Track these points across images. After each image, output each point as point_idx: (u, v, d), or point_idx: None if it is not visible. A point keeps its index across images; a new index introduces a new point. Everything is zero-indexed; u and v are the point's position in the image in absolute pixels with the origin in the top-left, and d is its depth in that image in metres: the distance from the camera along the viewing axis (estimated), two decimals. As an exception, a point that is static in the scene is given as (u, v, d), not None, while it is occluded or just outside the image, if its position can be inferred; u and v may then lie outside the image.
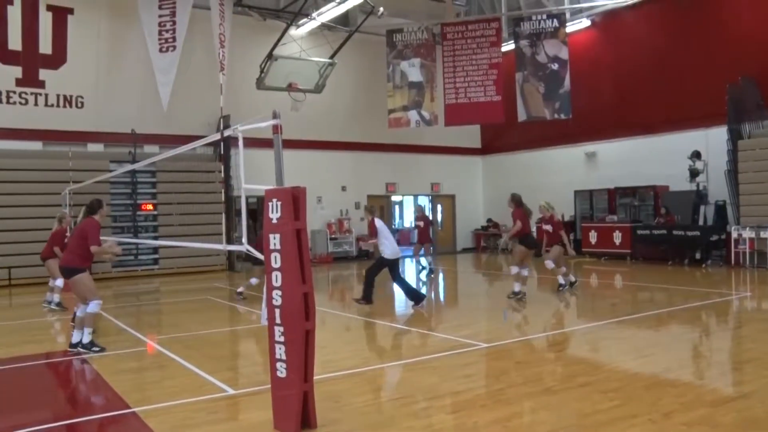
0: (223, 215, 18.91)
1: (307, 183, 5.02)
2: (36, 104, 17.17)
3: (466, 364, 6.93)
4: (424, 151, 23.83)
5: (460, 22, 19.77)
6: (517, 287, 11.24)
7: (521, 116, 19.25)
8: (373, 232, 10.88)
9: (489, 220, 24.70)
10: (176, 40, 17.34)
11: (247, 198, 6.02)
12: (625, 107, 19.93)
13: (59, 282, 11.15)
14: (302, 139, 19.64)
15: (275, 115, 4.99)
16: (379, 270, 10.95)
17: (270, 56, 16.38)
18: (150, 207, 18.43)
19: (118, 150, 18.19)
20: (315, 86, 17.56)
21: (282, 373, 4.62)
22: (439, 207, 25.10)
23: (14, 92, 16.89)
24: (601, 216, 20.11)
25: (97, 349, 7.87)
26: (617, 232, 18.70)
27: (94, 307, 7.84)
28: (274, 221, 4.67)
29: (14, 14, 16.59)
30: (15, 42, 16.66)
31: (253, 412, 5.36)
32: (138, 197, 18.29)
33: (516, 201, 11.28)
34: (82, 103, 17.82)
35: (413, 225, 17.37)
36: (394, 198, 24.87)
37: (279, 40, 16.96)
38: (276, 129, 4.95)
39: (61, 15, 17.30)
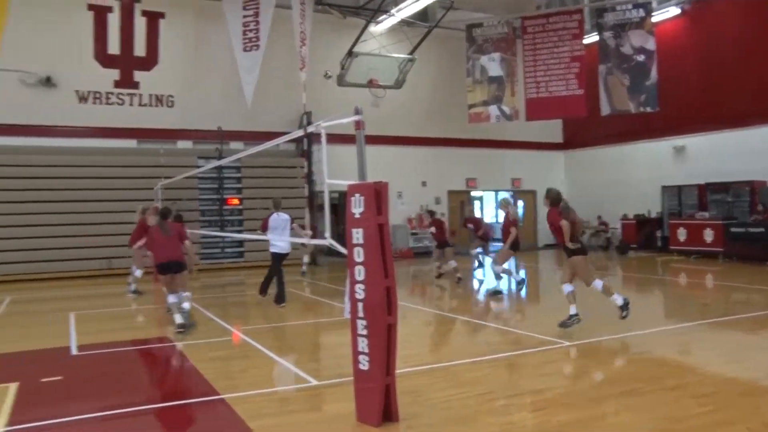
0: (306, 210, 19.32)
1: (387, 178, 5.05)
2: (131, 104, 18.11)
3: (548, 362, 6.82)
4: (505, 146, 23.54)
5: (542, 14, 19.36)
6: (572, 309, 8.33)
7: (605, 110, 18.67)
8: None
9: (571, 217, 24.12)
10: (260, 40, 17.80)
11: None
12: (715, 99, 19.01)
13: (138, 273, 12.50)
14: (382, 134, 19.77)
15: (357, 112, 5.07)
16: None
17: (350, 53, 16.57)
18: (236, 201, 19.06)
19: (206, 147, 18.90)
20: (395, 82, 17.64)
21: (365, 365, 4.70)
22: (520, 203, 24.74)
23: (112, 93, 17.89)
24: (690, 213, 19.28)
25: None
26: (708, 229, 17.87)
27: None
28: (357, 216, 4.75)
29: (113, 21, 17.58)
30: (114, 47, 17.66)
31: (335, 403, 5.48)
32: (224, 192, 18.96)
33: (551, 198, 8.54)
34: (172, 102, 18.62)
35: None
36: (474, 194, 24.67)
37: (359, 37, 17.12)
38: (358, 125, 5.03)
39: (153, 19, 18.14)
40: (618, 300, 8.28)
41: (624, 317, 8.27)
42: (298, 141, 18.96)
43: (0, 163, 16.48)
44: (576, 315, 8.13)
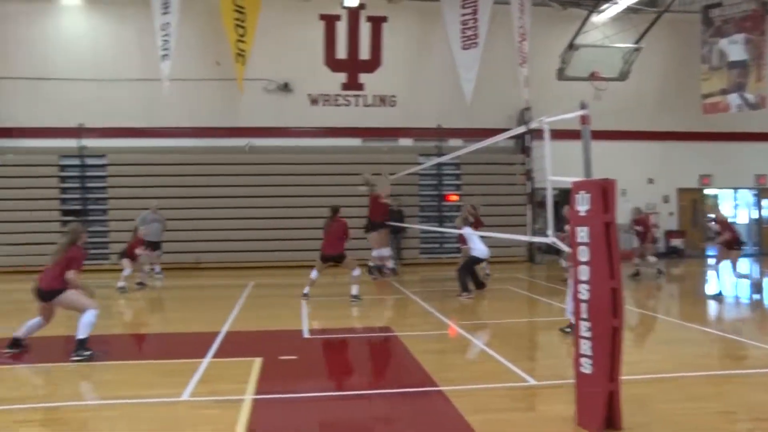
0: (528, 207, 19.10)
1: (610, 175, 4.80)
2: (356, 105, 19.28)
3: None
4: (747, 139, 21.07)
5: (798, -14, 17.05)
6: None
7: None
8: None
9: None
10: (478, 37, 17.88)
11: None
12: None
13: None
14: (605, 129, 18.74)
15: (583, 106, 4.89)
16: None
17: (571, 46, 16.01)
18: (454, 198, 19.39)
19: (426, 144, 19.47)
20: (619, 74, 16.72)
21: (587, 369, 4.53)
22: (765, 202, 22.06)
23: (340, 95, 19.21)
24: None
25: None
26: None
27: None
28: (582, 214, 4.58)
29: (341, 28, 18.86)
30: (341, 52, 18.98)
31: (553, 404, 5.35)
32: (443, 188, 19.39)
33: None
34: (394, 101, 19.47)
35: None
36: (708, 191, 22.47)
37: (580, 28, 16.47)
38: (584, 120, 4.84)
39: (377, 24, 19.11)
40: None
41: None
42: (517, 137, 18.76)
43: (247, 162, 18.48)
44: None
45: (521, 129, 7.47)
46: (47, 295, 7.22)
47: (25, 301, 12.59)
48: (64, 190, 18.32)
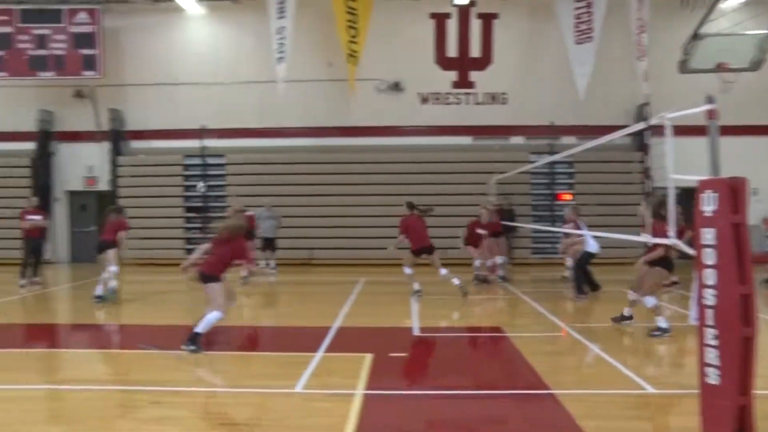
0: (644, 206, 18.20)
1: (740, 172, 4.48)
2: (467, 103, 19.14)
3: None
4: None
5: None
6: None
7: None
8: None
9: None
10: (593, 31, 17.28)
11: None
12: None
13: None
14: (733, 124, 17.57)
15: (710, 100, 4.60)
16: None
17: (695, 36, 15.06)
18: (567, 197, 18.83)
19: (538, 142, 19.04)
20: (750, 63, 15.54)
21: (713, 379, 4.26)
22: None
23: (450, 94, 19.14)
24: None
25: None
26: None
27: None
28: (709, 214, 4.32)
29: (451, 26, 18.78)
30: (452, 50, 18.89)
31: (675, 416, 5.10)
32: (555, 187, 18.89)
33: None
34: (505, 99, 19.16)
35: None
36: None
37: (706, 16, 15.45)
38: (711, 114, 4.56)
39: (488, 21, 18.87)
40: None
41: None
42: (634, 134, 17.95)
43: (358, 161, 18.82)
44: None
45: (640, 125, 7.12)
46: (205, 278, 7.55)
47: (163, 291, 13.51)
48: (187, 188, 19.46)
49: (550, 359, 7.18)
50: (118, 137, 19.39)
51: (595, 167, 18.39)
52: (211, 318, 7.37)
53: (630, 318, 8.77)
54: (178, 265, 18.45)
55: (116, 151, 19.34)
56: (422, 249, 11.71)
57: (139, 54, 19.24)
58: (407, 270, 11.84)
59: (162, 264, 18.22)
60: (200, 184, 11.00)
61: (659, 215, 7.87)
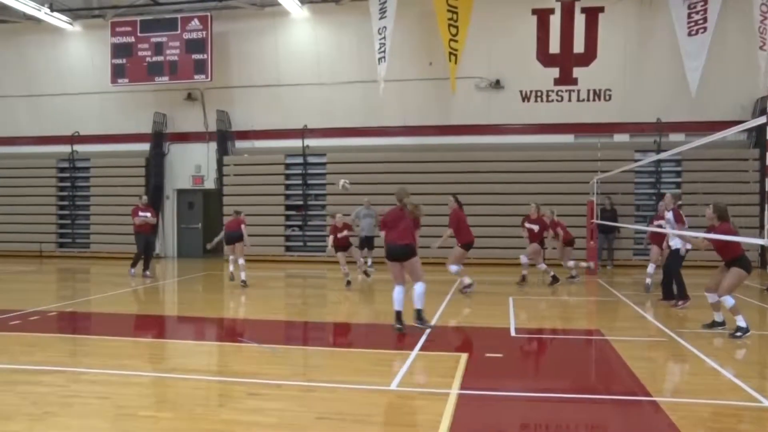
0: (762, 208, 17.09)
1: None
2: (569, 100, 18.60)
3: None
4: None
5: None
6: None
7: None
8: None
9: None
10: (707, 21, 16.39)
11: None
12: None
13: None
14: None
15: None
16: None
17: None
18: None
19: (643, 140, 18.27)
20: None
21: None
22: None
23: (552, 91, 18.67)
24: None
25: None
26: None
27: None
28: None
29: (554, 22, 18.37)
30: (554, 46, 18.45)
31: (791, 430, 4.77)
32: (662, 186, 18.04)
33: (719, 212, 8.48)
34: (609, 95, 18.48)
35: None
36: None
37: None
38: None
39: (593, 15, 18.26)
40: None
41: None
42: (751, 130, 16.88)
43: (458, 159, 18.75)
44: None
45: (760, 120, 6.64)
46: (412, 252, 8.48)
47: (264, 286, 14.04)
48: (288, 186, 20.08)
49: (652, 365, 6.90)
50: (224, 137, 20.28)
51: (706, 165, 17.40)
52: (422, 290, 8.40)
53: (722, 324, 8.48)
54: (278, 261, 19.23)
55: (222, 151, 20.23)
56: (470, 243, 11.98)
57: (245, 57, 20.03)
58: (453, 268, 12.05)
59: (263, 260, 18.93)
60: (342, 181, 11.39)
61: (725, 218, 8.45)
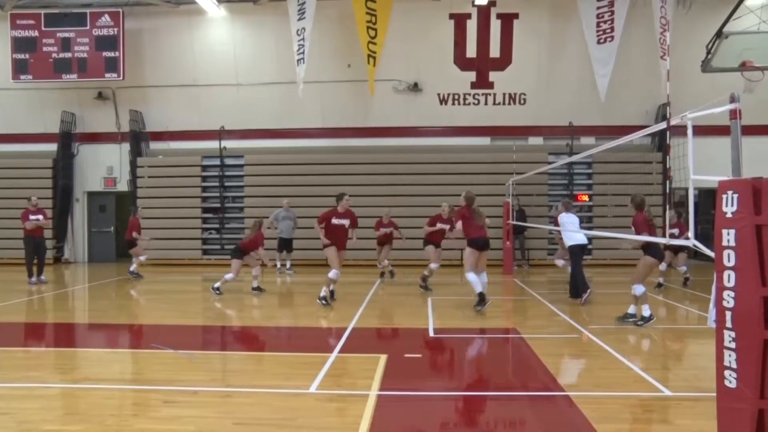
0: (664, 208, 18.00)
1: (764, 173, 4.43)
2: (485, 104, 19.04)
3: None
4: None
5: None
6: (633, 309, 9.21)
7: None
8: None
9: None
10: (614, 30, 17.13)
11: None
12: None
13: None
14: (757, 124, 17.36)
15: (734, 99, 4.53)
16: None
17: (719, 34, 14.85)
18: (585, 198, 18.70)
19: (556, 143, 18.92)
20: (775, 62, 15.31)
21: (731, 383, 4.19)
22: None
23: (469, 94, 19.06)
24: None
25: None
26: None
27: None
28: (729, 215, 4.24)
29: (471, 26, 18.66)
30: (471, 50, 18.77)
31: (690, 419, 5.02)
32: (574, 188, 18.74)
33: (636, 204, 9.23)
34: (524, 99, 19.04)
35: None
36: None
37: (732, 13, 15.24)
38: (734, 114, 4.49)
39: (508, 21, 18.74)
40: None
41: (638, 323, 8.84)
42: (654, 134, 17.77)
43: (376, 161, 18.84)
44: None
45: (661, 125, 7.02)
46: None
47: (179, 291, 13.62)
48: (205, 188, 19.60)
49: (565, 361, 7.14)
50: (137, 138, 19.58)
51: (614, 168, 18.19)
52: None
53: (634, 317, 9.07)
54: (195, 265, 18.73)
55: (136, 152, 19.53)
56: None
57: (160, 56, 19.41)
58: (472, 276, 10.25)
59: (179, 264, 18.39)
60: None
61: (641, 207, 9.17)
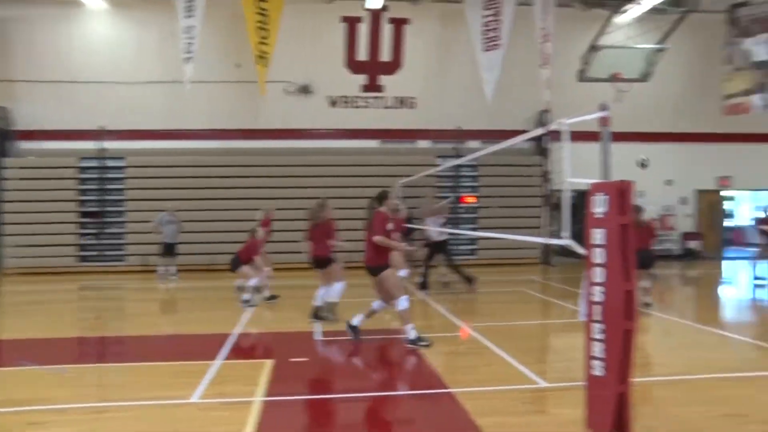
0: (545, 209, 18.92)
1: (630, 177, 4.76)
2: (376, 107, 19.24)
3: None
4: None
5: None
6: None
7: None
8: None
9: None
10: (500, 39, 17.72)
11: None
12: None
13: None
14: (625, 131, 18.55)
15: (604, 108, 4.81)
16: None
17: (593, 47, 15.81)
18: (471, 199, 19.28)
19: (444, 146, 19.38)
20: (641, 75, 16.49)
21: (598, 371, 4.44)
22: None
23: (359, 97, 19.18)
24: None
25: (424, 343, 8.01)
26: None
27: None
28: (599, 216, 4.51)
29: (362, 30, 18.84)
30: (362, 54, 18.95)
31: (564, 407, 5.28)
32: (460, 190, 19.29)
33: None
34: (413, 103, 19.40)
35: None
36: (726, 193, 22.14)
37: (602, 29, 16.27)
38: (604, 121, 4.77)
39: (399, 25, 19.04)
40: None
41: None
42: (535, 139, 18.61)
43: (265, 164, 18.54)
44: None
45: (540, 131, 7.35)
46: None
47: (49, 302, 12.76)
48: (82, 191, 18.47)
49: (448, 359, 7.28)
50: (4, 137, 18.19)
51: (499, 171, 18.95)
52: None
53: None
54: (71, 273, 17.67)
55: (2, 152, 18.14)
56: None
57: (32, 48, 18.12)
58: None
59: (52, 273, 17.31)
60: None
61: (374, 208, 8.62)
